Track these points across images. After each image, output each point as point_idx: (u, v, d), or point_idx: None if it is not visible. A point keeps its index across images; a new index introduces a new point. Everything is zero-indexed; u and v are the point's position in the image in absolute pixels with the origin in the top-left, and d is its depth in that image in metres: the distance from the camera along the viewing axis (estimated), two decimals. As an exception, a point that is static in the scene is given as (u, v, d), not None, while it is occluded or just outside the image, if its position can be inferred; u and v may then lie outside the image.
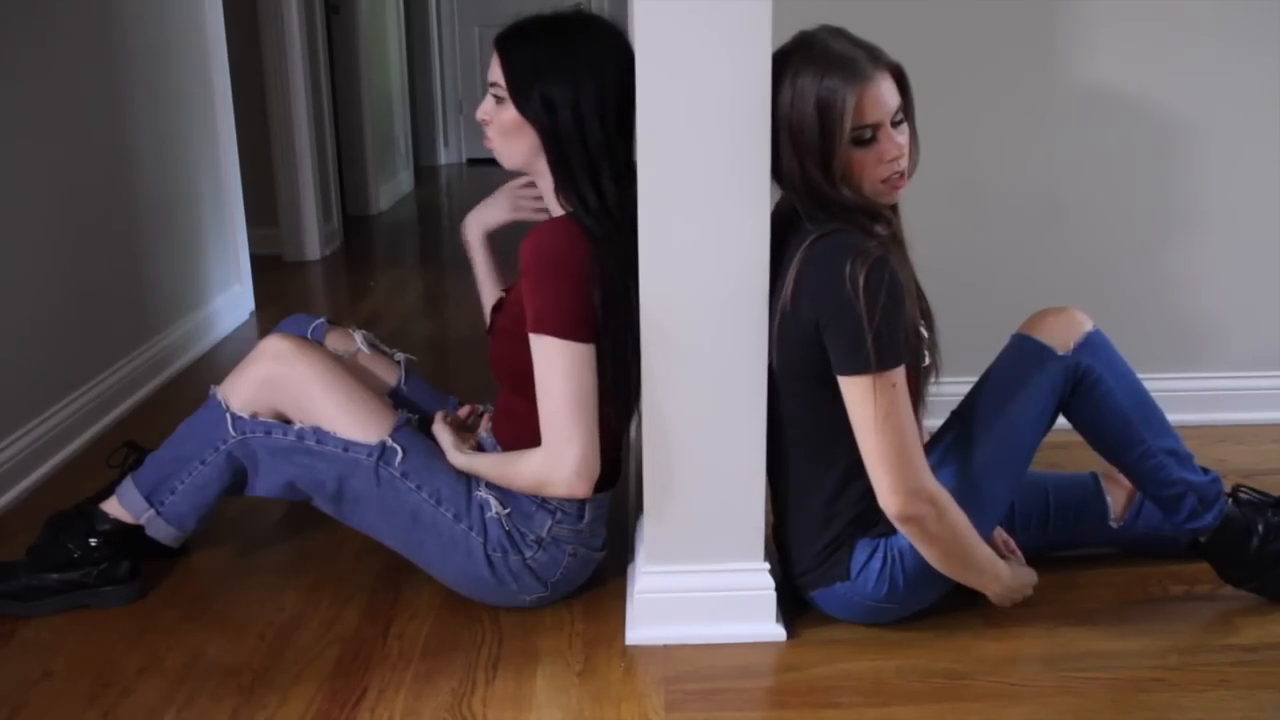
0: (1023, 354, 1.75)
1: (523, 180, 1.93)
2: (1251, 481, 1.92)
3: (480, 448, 1.85)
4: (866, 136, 1.58)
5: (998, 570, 1.73)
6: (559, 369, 1.65)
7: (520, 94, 1.68)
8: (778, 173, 1.64)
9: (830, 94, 1.54)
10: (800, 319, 1.61)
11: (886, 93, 1.58)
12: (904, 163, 1.62)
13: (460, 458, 1.79)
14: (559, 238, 1.68)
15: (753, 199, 1.60)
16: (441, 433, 1.84)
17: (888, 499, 1.60)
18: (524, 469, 1.72)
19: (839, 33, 1.61)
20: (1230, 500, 1.83)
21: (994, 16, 2.42)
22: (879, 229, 1.61)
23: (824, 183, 1.59)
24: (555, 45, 1.67)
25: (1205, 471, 1.81)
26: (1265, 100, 2.50)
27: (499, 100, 1.71)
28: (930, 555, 1.65)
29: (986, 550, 1.70)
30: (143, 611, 1.87)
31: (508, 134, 1.71)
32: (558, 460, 1.67)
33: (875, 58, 1.58)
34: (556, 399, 1.66)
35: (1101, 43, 2.45)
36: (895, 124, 1.60)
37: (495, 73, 1.71)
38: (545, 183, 1.75)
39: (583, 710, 1.60)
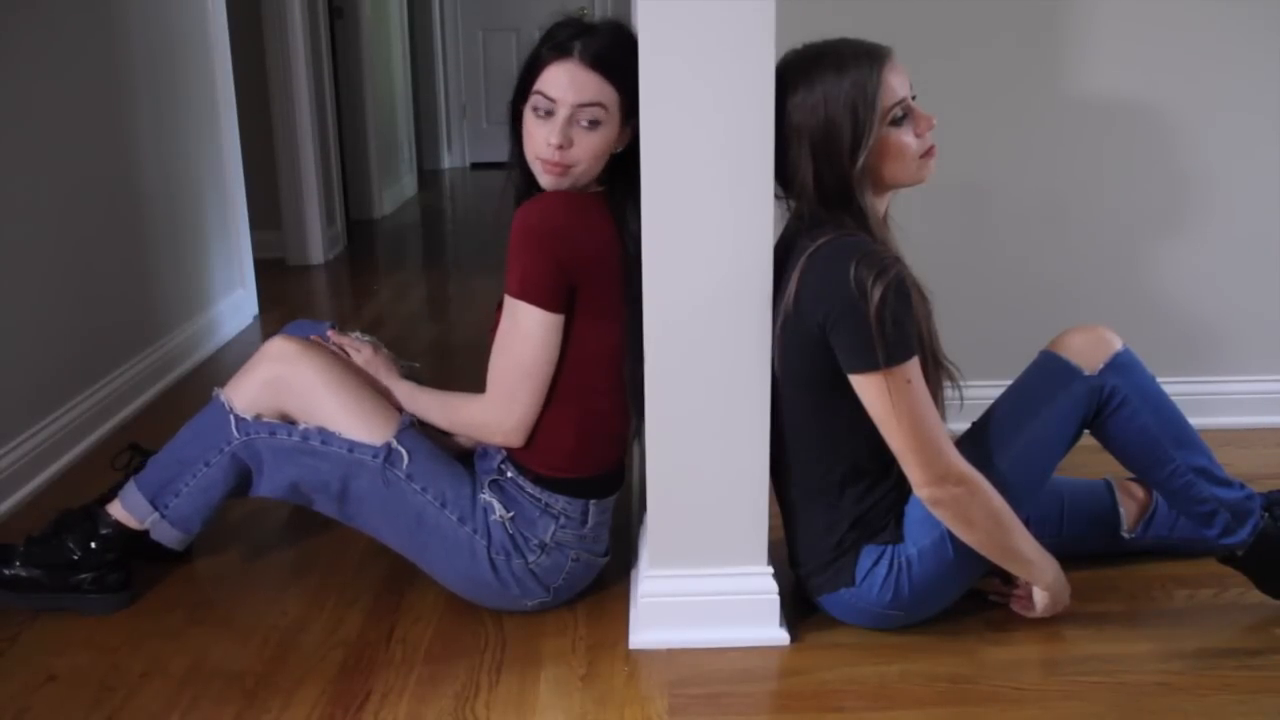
0: (1048, 372, 1.75)
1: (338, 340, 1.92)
2: (1255, 486, 1.91)
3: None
4: (899, 115, 1.61)
5: (1044, 560, 1.71)
6: (523, 331, 1.70)
7: (633, 115, 1.64)
8: (788, 183, 1.64)
9: (858, 86, 1.58)
10: (804, 321, 1.61)
11: (900, 71, 1.62)
12: (931, 136, 1.65)
13: (404, 387, 1.85)
14: (558, 211, 1.69)
15: (756, 201, 1.60)
16: (378, 365, 1.88)
17: (920, 489, 1.62)
18: (464, 414, 1.80)
19: (829, 39, 1.64)
20: (1265, 514, 1.81)
21: (999, 21, 2.42)
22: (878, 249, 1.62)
23: (846, 182, 1.60)
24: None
25: (1240, 486, 1.80)
26: (1270, 103, 2.50)
27: (593, 124, 1.67)
28: (972, 540, 1.65)
29: (1030, 538, 1.69)
30: (146, 615, 1.87)
31: (600, 155, 1.70)
32: (503, 414, 1.74)
33: (876, 46, 1.63)
34: (513, 358, 1.71)
35: (1107, 47, 2.45)
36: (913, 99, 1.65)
37: (595, 94, 1.66)
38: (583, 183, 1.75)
39: (586, 714, 1.60)
